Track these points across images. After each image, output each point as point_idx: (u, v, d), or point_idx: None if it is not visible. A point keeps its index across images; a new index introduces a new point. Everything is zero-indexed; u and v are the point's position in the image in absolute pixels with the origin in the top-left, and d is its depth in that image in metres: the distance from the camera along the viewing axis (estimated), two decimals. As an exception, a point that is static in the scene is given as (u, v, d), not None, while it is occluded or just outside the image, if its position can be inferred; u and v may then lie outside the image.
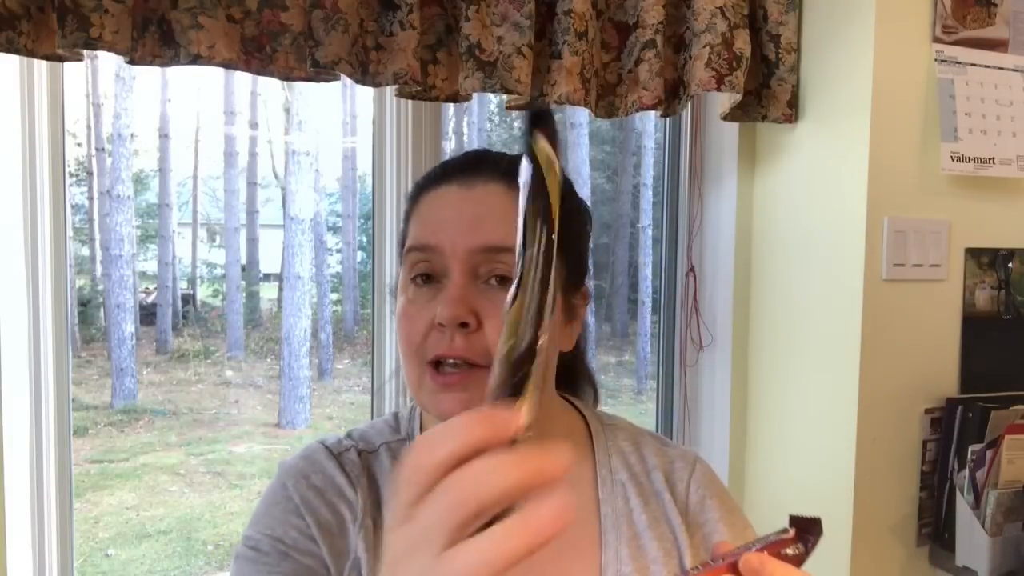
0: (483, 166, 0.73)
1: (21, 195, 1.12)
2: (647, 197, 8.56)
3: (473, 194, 0.71)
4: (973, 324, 1.38)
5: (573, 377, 0.87)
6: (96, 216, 8.34)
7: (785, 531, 0.49)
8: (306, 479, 0.72)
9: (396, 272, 0.75)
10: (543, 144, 0.39)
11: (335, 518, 0.70)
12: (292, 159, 7.24)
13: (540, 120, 0.39)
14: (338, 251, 9.59)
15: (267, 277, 9.94)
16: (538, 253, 0.38)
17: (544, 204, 0.38)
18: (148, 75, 8.74)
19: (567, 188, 0.77)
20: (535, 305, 0.38)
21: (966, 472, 1.28)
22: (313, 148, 7.66)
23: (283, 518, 0.70)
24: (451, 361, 0.67)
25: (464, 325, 0.67)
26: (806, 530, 0.49)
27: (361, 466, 0.74)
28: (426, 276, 0.70)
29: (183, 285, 9.63)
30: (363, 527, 0.70)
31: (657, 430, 1.66)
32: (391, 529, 0.38)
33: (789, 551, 0.48)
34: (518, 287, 0.38)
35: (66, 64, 1.07)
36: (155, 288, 8.66)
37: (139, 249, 8.67)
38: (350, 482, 0.72)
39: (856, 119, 1.30)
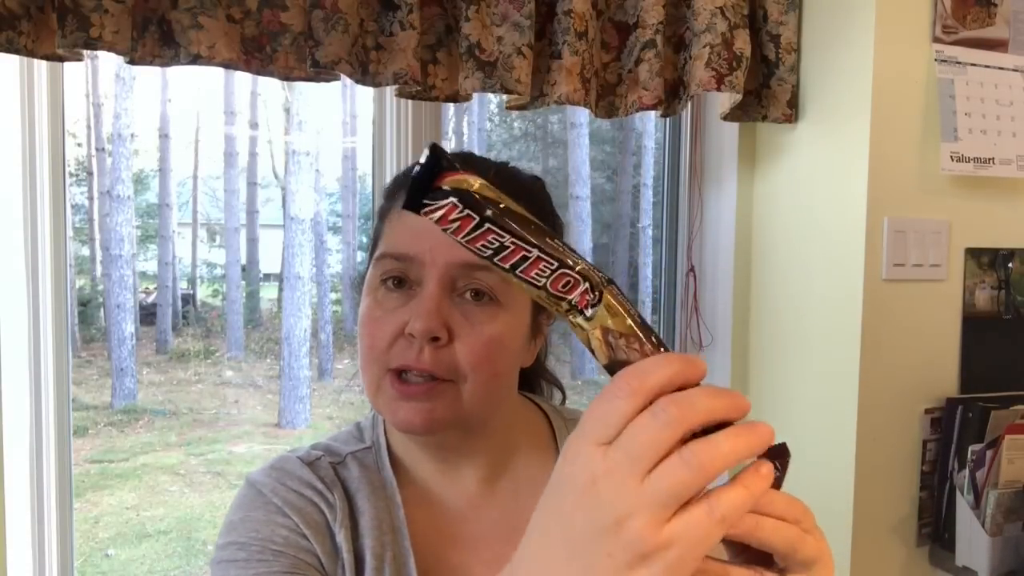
0: (480, 174, 0.72)
1: (21, 195, 1.12)
2: (647, 197, 8.55)
3: None
4: (973, 324, 1.38)
5: (533, 379, 0.87)
6: (96, 216, 8.34)
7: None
8: (283, 485, 0.70)
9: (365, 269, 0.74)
10: (460, 178, 0.42)
11: (320, 518, 0.69)
12: (292, 159, 7.23)
13: (439, 162, 0.42)
14: (338, 251, 9.59)
15: (267, 277, 9.93)
16: (577, 261, 0.42)
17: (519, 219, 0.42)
18: (148, 75, 8.74)
19: (540, 202, 0.77)
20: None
21: (966, 472, 1.28)
22: (313, 148, 7.66)
23: (267, 519, 0.68)
24: (415, 373, 0.66)
25: (435, 339, 0.65)
26: (774, 458, 0.50)
27: (333, 474, 0.73)
28: (398, 280, 0.68)
29: (183, 285, 9.63)
30: (344, 527, 0.69)
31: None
32: (587, 445, 0.39)
33: None
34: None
35: (66, 64, 1.07)
36: (155, 288, 8.66)
37: (139, 249, 8.66)
38: (327, 486, 0.71)
39: (856, 119, 1.30)
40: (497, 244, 0.42)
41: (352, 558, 0.68)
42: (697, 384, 0.39)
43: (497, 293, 0.68)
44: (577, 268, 0.42)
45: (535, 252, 0.42)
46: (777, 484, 0.49)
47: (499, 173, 0.74)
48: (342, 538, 0.68)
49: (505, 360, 0.70)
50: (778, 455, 0.50)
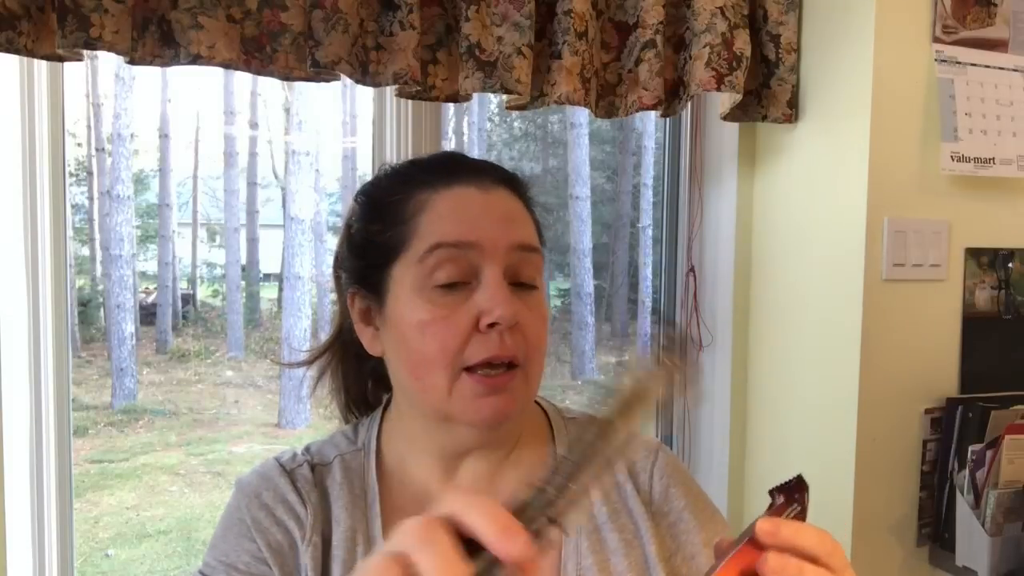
0: (487, 171, 0.74)
1: (21, 195, 1.12)
2: (647, 197, 8.56)
3: (492, 196, 0.71)
4: (973, 324, 1.38)
5: None
6: (96, 216, 8.34)
7: (771, 506, 0.50)
8: (257, 498, 0.71)
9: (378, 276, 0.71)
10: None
11: (285, 538, 0.70)
12: (292, 159, 7.23)
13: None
14: (338, 251, 9.58)
15: (267, 277, 9.94)
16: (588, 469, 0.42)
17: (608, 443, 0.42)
18: (148, 75, 8.75)
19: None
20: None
21: (966, 472, 1.28)
22: (313, 148, 7.65)
23: (236, 543, 0.70)
24: (496, 363, 0.66)
25: (513, 324, 0.67)
26: (794, 491, 0.50)
27: (313, 481, 0.73)
28: (450, 283, 0.67)
29: (183, 285, 9.64)
30: (311, 544, 0.69)
31: (657, 430, 1.66)
32: (382, 553, 0.40)
33: (788, 514, 0.49)
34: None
35: (66, 64, 1.07)
36: (155, 288, 8.66)
37: (139, 249, 8.67)
38: (301, 499, 0.71)
39: (856, 119, 1.30)
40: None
41: (316, 575, 0.69)
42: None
43: (537, 276, 0.71)
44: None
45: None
46: (802, 517, 0.49)
47: (502, 172, 0.75)
48: (308, 557, 0.69)
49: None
50: (796, 490, 0.50)
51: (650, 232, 8.31)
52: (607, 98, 1.30)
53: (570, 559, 0.71)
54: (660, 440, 0.84)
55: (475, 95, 1.19)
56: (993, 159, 1.34)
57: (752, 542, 0.47)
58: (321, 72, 1.08)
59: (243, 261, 9.05)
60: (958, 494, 1.29)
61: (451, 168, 0.73)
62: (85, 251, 8.51)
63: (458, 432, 0.71)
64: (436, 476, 0.74)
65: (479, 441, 0.73)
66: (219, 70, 1.07)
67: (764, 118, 1.41)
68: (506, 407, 0.67)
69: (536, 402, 0.82)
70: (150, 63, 1.02)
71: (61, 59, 1.01)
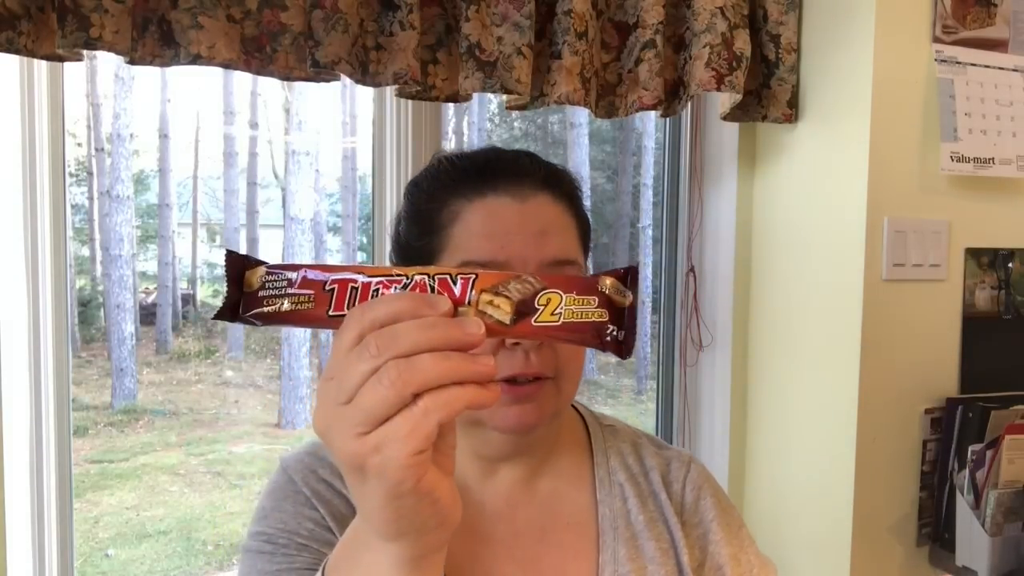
0: (525, 175, 0.71)
1: (21, 195, 1.12)
2: (647, 197, 8.56)
3: (528, 207, 0.69)
4: (973, 324, 1.38)
5: None
6: (96, 216, 8.34)
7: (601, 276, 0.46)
8: (313, 473, 0.71)
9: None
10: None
11: (348, 509, 0.69)
12: (292, 159, 7.22)
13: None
14: (338, 251, 9.58)
15: (267, 277, 9.90)
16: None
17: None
18: (148, 75, 8.74)
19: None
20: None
21: (966, 472, 1.28)
22: (313, 148, 7.64)
23: (295, 511, 0.69)
24: (522, 379, 0.67)
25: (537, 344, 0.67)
26: (624, 278, 0.47)
27: None
28: None
29: (183, 285, 9.62)
30: None
31: (657, 430, 1.66)
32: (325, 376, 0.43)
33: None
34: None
35: (66, 64, 1.07)
36: (155, 288, 8.65)
37: (139, 249, 8.66)
38: None
39: (856, 119, 1.30)
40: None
41: None
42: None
43: None
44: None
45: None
46: (633, 305, 0.47)
47: (549, 172, 0.74)
48: None
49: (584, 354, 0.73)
50: (630, 276, 0.48)
51: (650, 232, 8.30)
52: (607, 98, 1.30)
53: (607, 566, 0.72)
54: (667, 442, 0.85)
55: (475, 95, 1.19)
56: (993, 159, 1.34)
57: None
58: (321, 72, 1.08)
59: (243, 261, 9.03)
60: (958, 494, 1.29)
61: (488, 174, 0.71)
62: (85, 251, 8.50)
63: (489, 437, 0.71)
64: (474, 472, 0.75)
65: (510, 447, 0.73)
66: (219, 70, 1.07)
67: (764, 118, 1.41)
68: (532, 417, 0.67)
69: (573, 407, 0.82)
70: (150, 63, 1.02)
71: (61, 59, 1.01)
